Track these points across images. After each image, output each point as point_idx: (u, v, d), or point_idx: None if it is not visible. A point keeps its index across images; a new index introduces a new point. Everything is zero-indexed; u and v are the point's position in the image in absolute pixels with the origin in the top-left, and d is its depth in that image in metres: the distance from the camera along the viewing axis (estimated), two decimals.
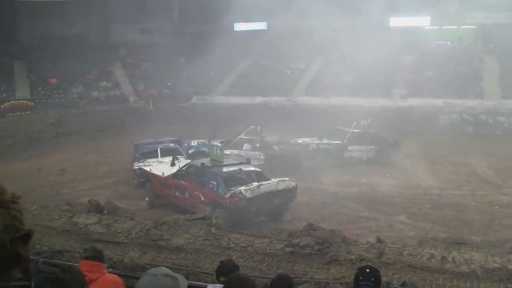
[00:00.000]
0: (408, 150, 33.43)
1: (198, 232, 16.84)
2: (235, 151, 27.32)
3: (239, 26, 59.48)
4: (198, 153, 29.81)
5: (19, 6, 51.97)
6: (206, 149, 30.19)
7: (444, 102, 42.73)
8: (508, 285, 12.54)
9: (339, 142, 31.41)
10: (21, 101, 42.11)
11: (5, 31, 50.46)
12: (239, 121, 33.93)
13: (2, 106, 39.93)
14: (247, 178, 21.40)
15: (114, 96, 49.04)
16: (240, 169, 21.93)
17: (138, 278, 4.90)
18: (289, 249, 14.98)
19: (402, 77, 48.38)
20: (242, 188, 20.33)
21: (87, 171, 31.04)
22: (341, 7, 50.13)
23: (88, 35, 57.22)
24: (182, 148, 29.64)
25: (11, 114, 39.77)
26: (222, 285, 5.83)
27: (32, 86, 46.47)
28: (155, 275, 4.43)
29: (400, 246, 15.48)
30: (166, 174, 24.43)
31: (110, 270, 7.78)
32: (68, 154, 35.62)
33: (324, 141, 31.40)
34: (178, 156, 27.43)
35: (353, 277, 6.60)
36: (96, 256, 6.57)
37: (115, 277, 6.41)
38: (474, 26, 52.56)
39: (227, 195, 20.34)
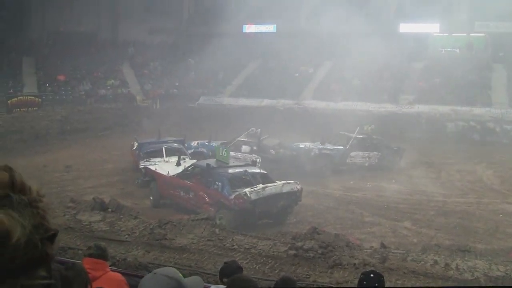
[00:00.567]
0: (414, 157, 33.35)
1: (202, 233, 16.89)
2: (232, 153, 27.18)
3: (249, 28, 59.56)
4: (196, 154, 29.80)
5: (29, 3, 52.24)
6: (204, 150, 30.29)
7: (451, 109, 42.63)
8: None
9: (341, 147, 31.20)
10: (29, 97, 42.23)
11: (14, 28, 50.79)
12: (245, 123, 33.90)
13: (9, 102, 40.04)
14: (252, 179, 21.36)
15: (121, 94, 49.13)
16: (246, 170, 21.90)
17: (141, 277, 4.90)
18: (293, 252, 15.01)
19: (410, 83, 48.37)
20: (247, 189, 20.31)
21: (93, 168, 31.05)
22: (351, 12, 50.14)
23: (97, 33, 57.59)
24: (185, 148, 29.65)
25: (19, 109, 39.88)
26: (225, 286, 5.82)
27: (40, 83, 46.65)
28: (155, 273, 4.43)
29: (404, 252, 15.51)
30: (171, 173, 24.45)
31: (113, 268, 7.76)
32: (74, 151, 35.69)
33: (326, 146, 31.17)
34: (184, 156, 27.43)
35: (356, 281, 6.60)
36: (100, 254, 6.55)
37: (118, 276, 6.42)
38: (483, 34, 52.49)
39: (232, 196, 20.32)
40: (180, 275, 4.38)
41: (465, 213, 23.11)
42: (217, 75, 53.98)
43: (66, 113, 41.71)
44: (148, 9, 57.39)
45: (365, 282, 6.23)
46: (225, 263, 7.37)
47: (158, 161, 27.10)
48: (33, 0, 52.61)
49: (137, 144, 29.74)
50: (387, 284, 7.43)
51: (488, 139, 40.00)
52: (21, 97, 41.60)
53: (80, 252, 12.60)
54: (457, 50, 53.17)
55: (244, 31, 59.09)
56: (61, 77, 48.04)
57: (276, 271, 13.96)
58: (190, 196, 22.53)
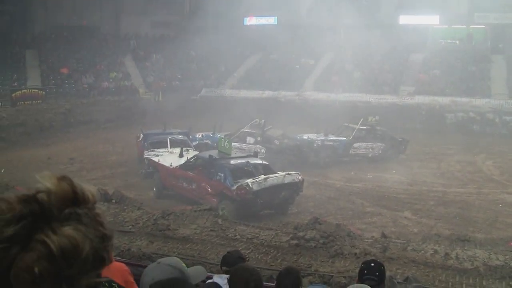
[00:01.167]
0: (414, 147, 33.50)
1: (204, 223, 16.99)
2: (237, 144, 27.24)
3: (249, 21, 59.60)
4: (201, 146, 29.97)
5: None
6: (209, 142, 30.42)
7: (451, 100, 42.67)
8: (511, 283, 12.65)
9: (344, 138, 31.27)
10: (33, 90, 42.23)
11: (18, 21, 50.91)
12: (247, 114, 33.99)
13: (13, 95, 40.06)
14: (254, 170, 21.45)
15: (124, 87, 49.15)
16: (248, 161, 22.01)
17: (144, 267, 5.01)
18: (294, 241, 15.10)
19: (410, 74, 48.43)
20: (249, 180, 20.42)
21: (96, 160, 31.17)
22: (351, 4, 50.24)
23: (99, 26, 57.74)
24: (189, 140, 29.77)
25: (23, 102, 39.89)
26: (227, 276, 5.85)
27: (44, 76, 46.65)
28: (159, 263, 4.56)
29: (404, 241, 15.59)
30: (174, 165, 24.57)
31: (117, 258, 7.90)
32: (78, 143, 35.82)
33: (329, 138, 31.24)
34: (187, 148, 27.56)
35: (357, 270, 6.74)
36: None
37: (122, 265, 6.47)
38: (483, 26, 52.44)
39: (234, 187, 20.45)
40: (183, 264, 4.56)
41: (465, 203, 23.22)
42: (219, 67, 54.11)
43: (70, 105, 41.77)
44: (150, 2, 57.48)
45: (365, 271, 6.34)
46: (228, 252, 7.46)
47: (162, 152, 27.21)
48: None
49: (142, 135, 29.90)
50: (387, 273, 7.58)
51: (488, 130, 40.11)
52: (25, 90, 41.62)
53: None
54: (457, 42, 53.10)
55: (245, 24, 59.14)
56: (64, 70, 48.08)
57: (278, 261, 14.07)
58: (193, 187, 22.66)
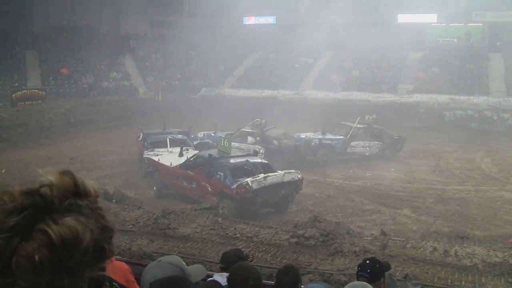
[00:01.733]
0: (413, 145, 33.60)
1: (205, 222, 17.03)
2: (236, 144, 27.23)
3: (248, 20, 59.67)
4: (202, 145, 30.06)
5: None
6: (210, 141, 30.48)
7: (449, 98, 42.75)
8: (510, 279, 12.65)
9: (342, 137, 31.31)
10: (33, 91, 42.30)
11: (17, 22, 51.01)
12: (246, 114, 34.05)
13: (14, 95, 40.13)
14: (253, 169, 21.50)
15: (124, 87, 49.29)
16: (247, 160, 22.05)
17: (145, 266, 5.07)
18: (294, 240, 15.14)
19: (408, 73, 48.51)
20: (248, 179, 20.46)
21: (96, 160, 31.22)
22: (349, 3, 50.37)
23: (99, 26, 57.84)
24: (189, 139, 29.83)
25: (23, 103, 39.96)
26: (227, 274, 5.83)
27: (44, 76, 46.78)
28: (160, 261, 4.64)
29: (404, 239, 15.58)
30: (174, 164, 24.61)
31: (118, 257, 7.97)
32: (78, 143, 35.87)
33: (327, 136, 31.30)
34: (187, 147, 27.64)
35: (356, 268, 6.81)
36: None
37: (122, 265, 6.47)
38: (481, 24, 52.45)
39: (234, 186, 20.50)
40: (183, 263, 4.65)
41: (464, 201, 23.25)
42: (218, 67, 54.14)
43: (70, 106, 41.85)
44: (149, 2, 57.57)
45: (359, 268, 6.32)
46: (230, 250, 7.51)
47: (162, 151, 27.29)
48: None
49: (142, 134, 29.97)
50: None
51: (486, 127, 40.18)
52: (25, 91, 41.69)
53: None
54: (455, 40, 53.09)
55: (244, 23, 59.21)
56: (64, 70, 48.17)
57: (278, 259, 14.11)
58: (193, 186, 22.71)
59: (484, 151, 33.72)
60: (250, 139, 29.70)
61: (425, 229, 18.99)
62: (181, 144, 27.83)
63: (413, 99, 43.73)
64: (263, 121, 30.86)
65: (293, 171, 22.25)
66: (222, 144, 23.53)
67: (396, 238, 15.78)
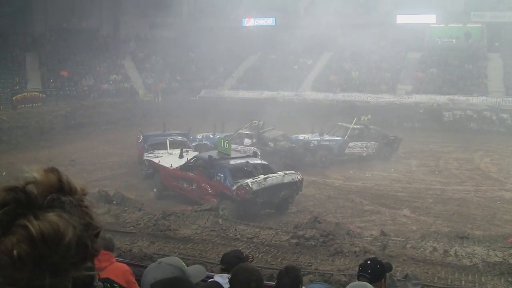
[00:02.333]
0: (412, 146, 33.67)
1: (205, 223, 17.06)
2: (232, 146, 27.17)
3: (248, 22, 59.71)
4: (200, 147, 30.08)
5: None
6: (208, 143, 30.52)
7: (448, 98, 42.87)
8: (509, 279, 12.69)
9: (339, 138, 31.39)
10: (33, 93, 42.28)
11: (17, 24, 50.95)
12: (246, 115, 34.08)
13: (14, 98, 40.09)
14: (254, 170, 21.51)
15: (124, 89, 49.32)
16: (247, 162, 22.06)
17: (146, 267, 5.10)
18: (295, 240, 15.18)
19: (407, 73, 48.59)
20: (248, 180, 20.47)
21: (97, 162, 31.21)
22: (348, 4, 50.44)
23: (98, 28, 57.82)
24: (189, 141, 29.84)
25: (23, 105, 39.96)
26: (228, 275, 5.81)
27: (44, 78, 46.71)
28: (160, 263, 4.67)
29: (403, 239, 15.63)
30: (174, 166, 24.62)
31: (119, 259, 7.99)
32: (78, 145, 35.93)
33: (325, 138, 31.35)
34: (187, 149, 27.64)
35: (357, 268, 6.83)
36: (105, 245, 6.55)
37: (123, 266, 6.49)
38: (479, 24, 52.48)
39: (234, 187, 20.51)
40: (183, 264, 4.69)
41: (463, 201, 23.30)
42: (218, 68, 54.23)
43: (70, 108, 41.89)
44: (149, 4, 57.59)
45: (360, 268, 6.34)
46: (231, 251, 7.52)
47: (162, 153, 27.31)
48: None
49: (142, 136, 30.00)
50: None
51: (485, 127, 40.29)
52: (25, 93, 41.64)
53: None
54: (454, 40, 53.12)
55: (243, 25, 59.26)
56: (64, 73, 48.14)
57: (279, 260, 14.14)
58: (193, 187, 22.72)
59: (483, 151, 33.81)
60: (246, 140, 29.69)
61: (425, 229, 19.04)
62: (181, 145, 27.82)
63: (412, 100, 43.82)
64: (261, 122, 30.89)
65: (293, 172, 22.29)
66: (222, 146, 23.54)
67: (396, 238, 15.83)
